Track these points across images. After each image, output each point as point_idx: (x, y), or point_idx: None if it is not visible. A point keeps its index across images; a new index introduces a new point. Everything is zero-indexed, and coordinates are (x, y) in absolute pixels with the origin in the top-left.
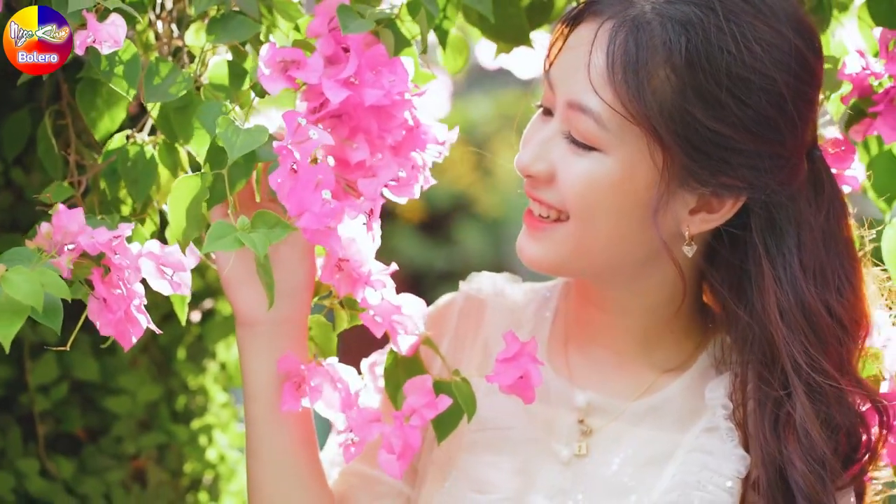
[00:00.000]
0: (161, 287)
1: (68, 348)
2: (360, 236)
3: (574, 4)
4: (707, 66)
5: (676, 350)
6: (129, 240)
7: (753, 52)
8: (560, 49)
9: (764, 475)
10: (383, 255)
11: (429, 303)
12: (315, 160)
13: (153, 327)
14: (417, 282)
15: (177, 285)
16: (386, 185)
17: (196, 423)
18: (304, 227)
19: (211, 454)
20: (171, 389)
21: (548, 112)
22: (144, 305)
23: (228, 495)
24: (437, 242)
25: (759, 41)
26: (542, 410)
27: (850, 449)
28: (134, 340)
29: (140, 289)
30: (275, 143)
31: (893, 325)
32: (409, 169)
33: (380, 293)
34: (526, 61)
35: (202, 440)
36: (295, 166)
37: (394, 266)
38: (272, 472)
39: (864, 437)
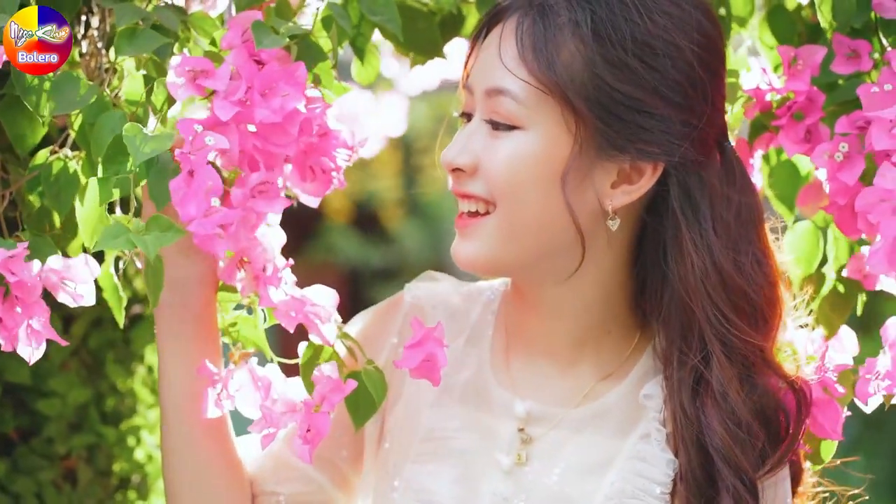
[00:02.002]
0: (65, 299)
1: None
2: (264, 237)
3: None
4: (613, 34)
5: (614, 354)
6: (39, 254)
7: (656, 22)
8: (474, 60)
9: (685, 457)
10: (319, 254)
11: (367, 300)
12: (213, 165)
13: (58, 339)
14: (354, 279)
15: (79, 297)
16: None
17: (125, 425)
18: (193, 231)
19: (139, 454)
20: (100, 392)
21: (469, 118)
22: (47, 319)
23: (156, 494)
24: (373, 240)
25: (662, 13)
26: (485, 420)
27: (773, 430)
28: (38, 355)
29: (42, 305)
30: (177, 151)
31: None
32: (320, 173)
33: (282, 290)
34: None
35: (130, 441)
36: (191, 172)
37: (290, 261)
38: (186, 458)
39: (783, 419)
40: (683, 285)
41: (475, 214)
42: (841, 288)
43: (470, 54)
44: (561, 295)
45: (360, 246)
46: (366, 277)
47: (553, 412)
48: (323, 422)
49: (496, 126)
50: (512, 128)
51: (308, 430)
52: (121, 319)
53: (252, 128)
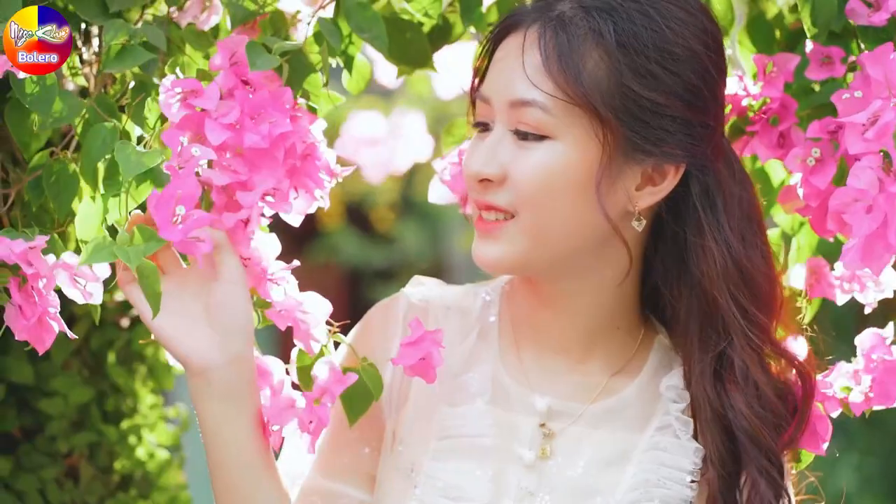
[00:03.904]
0: (74, 296)
1: None
2: (262, 238)
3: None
4: (636, 43)
5: (622, 349)
6: (46, 252)
7: (673, 29)
8: (486, 67)
9: (711, 442)
10: (321, 254)
11: (368, 300)
12: (198, 174)
13: (67, 332)
14: (355, 280)
15: (88, 294)
16: (264, 199)
17: (126, 423)
18: (167, 239)
19: (140, 452)
20: (101, 391)
21: (485, 128)
22: (58, 312)
23: (157, 491)
24: (374, 240)
25: (677, 20)
26: (503, 416)
27: (789, 409)
28: (48, 345)
29: (54, 297)
30: (164, 163)
31: None
32: (304, 193)
33: (282, 289)
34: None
35: (131, 439)
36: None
37: (295, 262)
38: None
39: (791, 399)
40: (708, 280)
41: (497, 221)
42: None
43: (481, 64)
44: (578, 291)
45: (361, 246)
46: (367, 277)
47: (572, 407)
48: (324, 413)
49: (524, 136)
50: (541, 138)
51: (310, 422)
52: (97, 317)
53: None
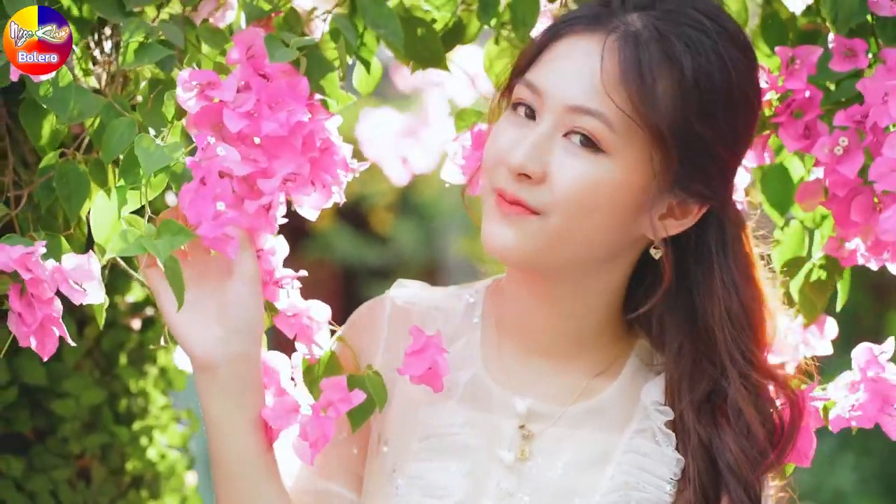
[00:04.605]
0: (73, 296)
1: (1, 354)
2: (272, 240)
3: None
4: (707, 82)
5: (605, 354)
6: (51, 255)
7: (739, 72)
8: (535, 58)
9: (693, 466)
10: (315, 252)
11: (362, 299)
12: (221, 175)
13: (67, 338)
14: (349, 278)
15: (82, 294)
16: (284, 185)
17: (137, 425)
18: (202, 234)
19: (151, 453)
20: (113, 393)
21: (528, 112)
22: (61, 316)
23: (168, 492)
24: (369, 239)
25: (738, 63)
26: (485, 417)
27: (774, 437)
28: (51, 350)
29: (57, 302)
30: (187, 159)
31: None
32: (320, 187)
33: (286, 293)
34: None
35: (143, 440)
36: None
37: (303, 272)
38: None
39: (779, 423)
40: (711, 317)
41: (523, 206)
42: (822, 274)
43: (537, 53)
44: (573, 295)
45: (356, 245)
46: (361, 276)
47: (552, 408)
48: (329, 426)
49: (578, 143)
50: (594, 149)
51: (314, 435)
52: (101, 320)
53: (257, 140)
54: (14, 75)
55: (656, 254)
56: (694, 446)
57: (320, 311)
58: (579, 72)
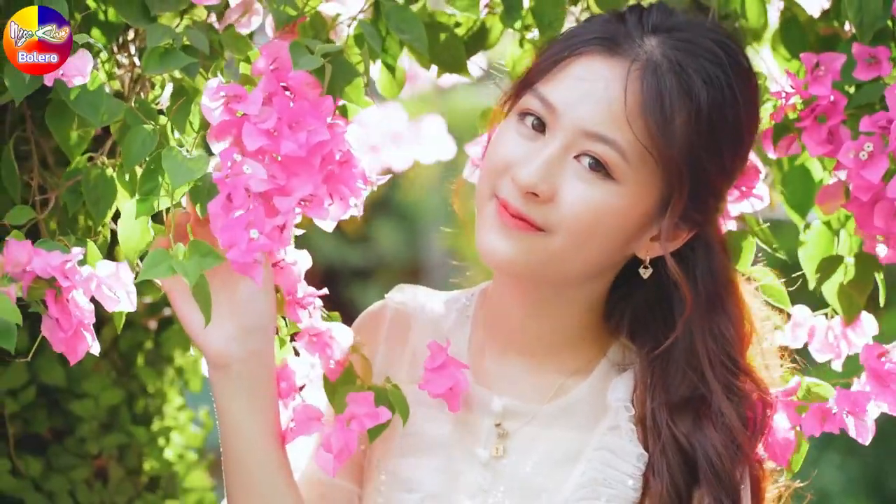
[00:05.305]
0: (108, 305)
1: (29, 359)
2: (295, 253)
3: (566, 28)
4: (720, 120)
5: (582, 355)
6: (81, 262)
7: (747, 108)
8: (549, 71)
9: (663, 461)
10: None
11: (345, 299)
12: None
13: (96, 345)
14: (331, 278)
15: (115, 301)
16: (300, 204)
17: (155, 425)
18: (231, 258)
19: (168, 454)
20: (131, 393)
21: (538, 124)
22: (94, 322)
23: (184, 492)
24: (351, 239)
25: (748, 98)
26: (464, 416)
27: (746, 428)
28: (81, 355)
29: (90, 308)
30: (214, 174)
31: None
32: (338, 199)
33: (307, 312)
34: None
35: (160, 441)
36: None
37: (324, 290)
38: (263, 499)
39: (751, 417)
40: (694, 332)
41: (527, 223)
42: (859, 270)
43: (551, 66)
44: (557, 302)
45: (338, 245)
46: (343, 276)
47: (527, 408)
48: (352, 439)
49: (588, 167)
50: (605, 175)
51: (337, 446)
52: (120, 325)
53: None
54: (49, 80)
55: (645, 273)
56: (666, 443)
57: (342, 333)
58: (598, 98)
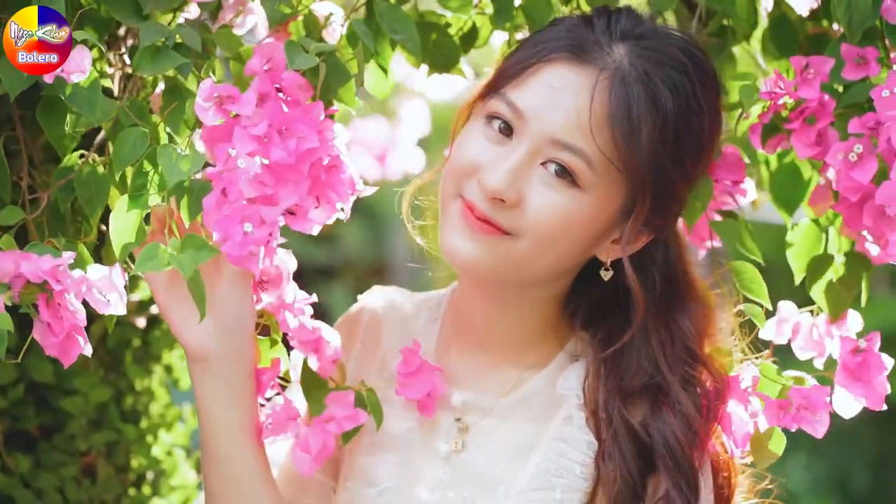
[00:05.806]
0: (100, 308)
1: (19, 359)
2: (282, 256)
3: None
4: (684, 129)
5: (541, 350)
6: (73, 266)
7: (711, 117)
8: (517, 76)
9: (616, 448)
10: None
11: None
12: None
13: (89, 349)
14: (297, 277)
15: (106, 305)
16: (285, 214)
17: (143, 423)
18: (226, 252)
19: (156, 451)
20: (119, 391)
21: (505, 129)
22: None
23: (170, 489)
24: (316, 238)
25: (712, 106)
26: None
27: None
28: (74, 358)
29: (81, 311)
30: (207, 170)
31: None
32: (325, 203)
33: (297, 318)
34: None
35: (148, 438)
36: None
37: (314, 297)
38: (241, 494)
39: (705, 403)
40: (651, 327)
41: (493, 226)
42: (848, 271)
43: (519, 72)
44: (518, 301)
45: (303, 244)
46: (308, 275)
47: (486, 401)
48: (330, 440)
49: (553, 174)
50: (570, 182)
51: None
52: (111, 327)
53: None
54: (49, 78)
55: (606, 275)
56: (618, 430)
57: (331, 335)
58: (567, 107)
